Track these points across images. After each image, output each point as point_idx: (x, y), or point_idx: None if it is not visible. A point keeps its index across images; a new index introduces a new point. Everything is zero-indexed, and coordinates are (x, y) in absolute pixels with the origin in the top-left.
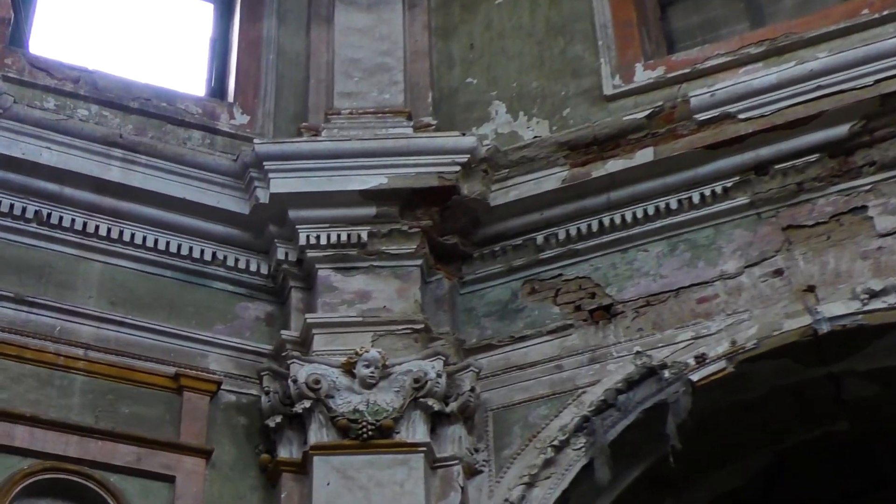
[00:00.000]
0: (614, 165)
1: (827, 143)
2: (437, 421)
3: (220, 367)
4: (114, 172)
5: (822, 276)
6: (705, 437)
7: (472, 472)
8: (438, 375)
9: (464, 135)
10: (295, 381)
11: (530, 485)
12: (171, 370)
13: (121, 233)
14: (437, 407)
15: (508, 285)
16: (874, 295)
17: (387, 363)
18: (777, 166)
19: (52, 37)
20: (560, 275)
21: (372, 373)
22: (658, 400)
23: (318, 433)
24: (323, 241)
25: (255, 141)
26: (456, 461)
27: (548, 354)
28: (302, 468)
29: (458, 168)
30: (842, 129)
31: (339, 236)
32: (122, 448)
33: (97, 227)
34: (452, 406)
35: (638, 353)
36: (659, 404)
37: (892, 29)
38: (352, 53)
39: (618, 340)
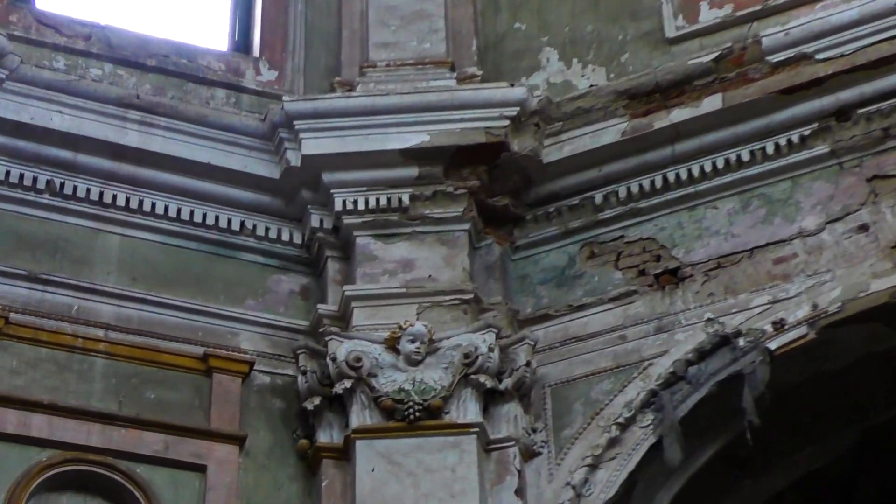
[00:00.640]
0: (679, 115)
1: None
2: (490, 399)
3: (253, 347)
4: (131, 137)
5: None
6: (785, 413)
7: (529, 454)
8: (490, 350)
9: (512, 86)
10: (334, 360)
11: (594, 466)
12: (200, 351)
13: (140, 202)
14: (489, 384)
15: (565, 249)
16: None
17: (434, 337)
18: (860, 111)
19: None
20: (621, 236)
21: (418, 348)
22: (732, 371)
23: (360, 415)
24: (361, 206)
25: (285, 98)
26: (512, 443)
27: (610, 324)
28: (344, 454)
29: (506, 122)
30: None
31: (378, 200)
32: (148, 436)
33: (115, 197)
34: (506, 383)
35: (709, 320)
36: (733, 376)
37: None
38: (388, 0)
39: (687, 307)
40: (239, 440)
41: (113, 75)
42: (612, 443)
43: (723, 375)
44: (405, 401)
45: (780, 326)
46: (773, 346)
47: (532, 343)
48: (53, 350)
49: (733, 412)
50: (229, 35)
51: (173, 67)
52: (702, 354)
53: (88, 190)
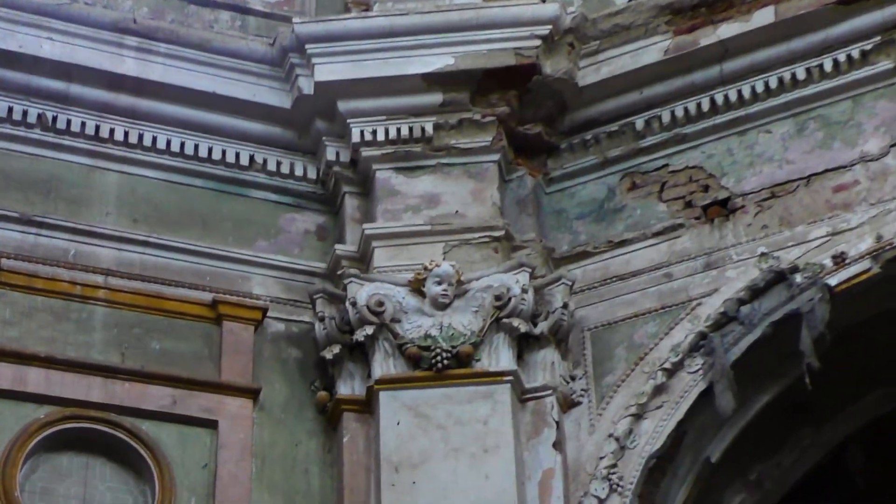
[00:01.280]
0: (727, 30)
1: None
2: (524, 345)
3: (266, 292)
4: (128, 65)
5: None
6: (848, 355)
7: (568, 403)
8: (524, 291)
9: (544, 1)
10: (354, 305)
11: (638, 416)
12: (208, 297)
13: (140, 136)
14: (523, 328)
15: (604, 181)
16: None
17: (462, 279)
18: None
19: None
20: (666, 165)
21: (445, 291)
22: (789, 310)
23: (383, 364)
24: (380, 137)
25: (295, 20)
26: (549, 391)
27: (654, 261)
28: (366, 406)
29: (538, 42)
30: None
31: (399, 130)
32: (153, 390)
33: (112, 131)
34: (542, 326)
35: (763, 254)
36: (790, 315)
37: None
38: None
39: (738, 241)
40: (252, 393)
41: None
42: (658, 390)
43: (778, 315)
44: (432, 348)
45: (840, 261)
46: (833, 282)
47: (569, 283)
48: (49, 298)
49: (790, 355)
50: None
51: None
52: (755, 292)
53: (83, 124)
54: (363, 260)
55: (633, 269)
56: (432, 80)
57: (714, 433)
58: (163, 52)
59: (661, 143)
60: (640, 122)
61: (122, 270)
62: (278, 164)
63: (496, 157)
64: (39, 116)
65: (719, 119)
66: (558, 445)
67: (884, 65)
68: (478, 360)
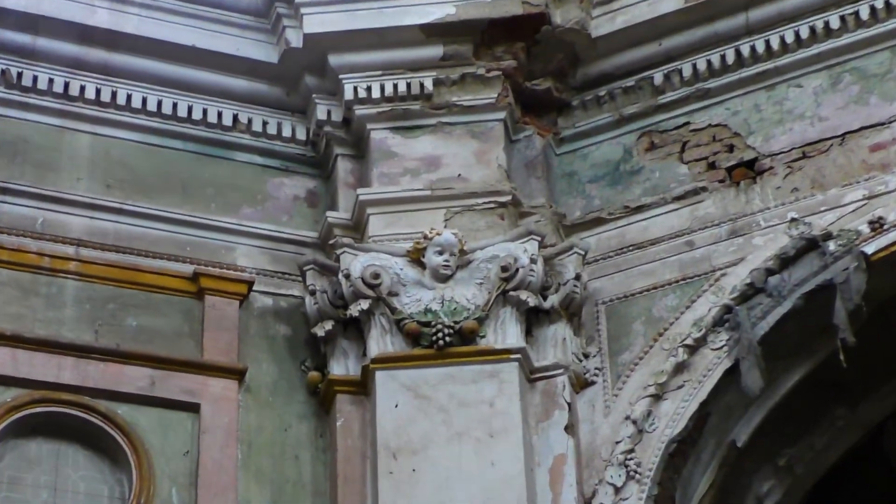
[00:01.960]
0: None
1: None
2: (533, 320)
3: (251, 263)
4: (100, 16)
5: None
6: (885, 329)
7: (581, 383)
8: (533, 261)
9: None
10: (348, 277)
11: (657, 397)
12: (189, 269)
13: (114, 94)
14: (532, 302)
15: (620, 140)
16: None
17: (465, 248)
18: None
19: None
20: (687, 123)
21: (446, 261)
22: (822, 281)
23: (380, 342)
24: (376, 94)
25: None
26: (560, 370)
27: (675, 228)
28: (362, 387)
29: None
30: None
31: (396, 86)
32: (130, 371)
33: (83, 89)
34: (552, 300)
35: (793, 220)
36: (823, 286)
37: None
38: None
39: (766, 205)
40: (237, 373)
41: None
42: (679, 368)
43: (810, 286)
44: (433, 323)
45: (878, 226)
46: (869, 249)
47: (582, 252)
48: (15, 271)
49: (823, 329)
50: None
51: None
52: (785, 262)
53: (52, 81)
54: (357, 228)
55: (652, 236)
56: (432, 32)
57: (740, 415)
58: (138, 2)
59: (682, 100)
60: (658, 77)
61: (94, 240)
62: (264, 124)
63: (502, 115)
64: (3, 72)
65: (745, 72)
66: (570, 429)
67: None
68: (482, 337)
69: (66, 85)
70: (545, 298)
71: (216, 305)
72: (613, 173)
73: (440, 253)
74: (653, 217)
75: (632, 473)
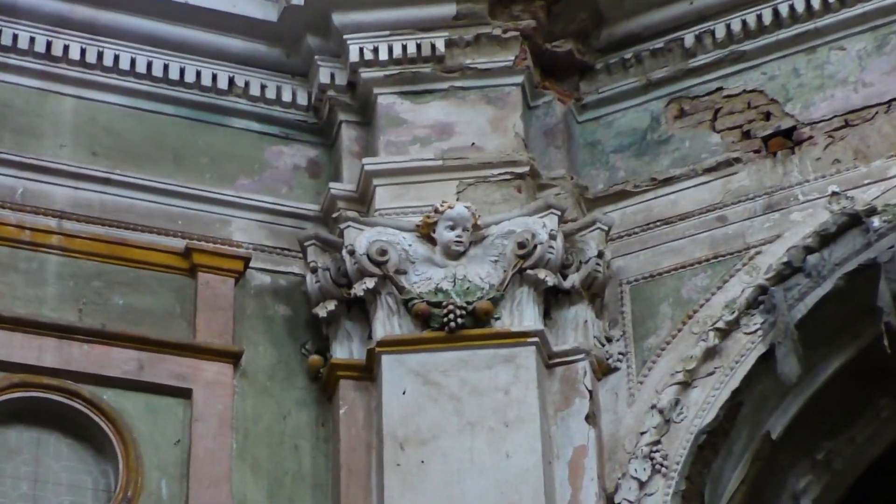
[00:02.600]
0: None
1: None
2: (552, 301)
3: (248, 238)
4: None
5: None
6: None
7: (603, 369)
8: (552, 237)
9: None
10: (352, 253)
11: (686, 384)
12: (181, 244)
13: (100, 55)
14: (551, 281)
15: (647, 107)
16: None
17: (479, 223)
18: None
19: None
20: (720, 89)
21: (459, 237)
22: (865, 260)
23: (386, 323)
24: (383, 56)
25: None
26: (581, 355)
27: (706, 202)
28: (367, 372)
29: None
30: None
31: (405, 48)
32: (116, 353)
33: (67, 49)
34: (573, 279)
35: (834, 194)
36: (866, 266)
37: None
38: None
39: (805, 178)
40: (232, 357)
41: None
42: (710, 354)
43: (853, 265)
44: (444, 304)
45: None
46: None
47: (605, 228)
48: None
49: (866, 312)
50: None
51: None
52: (825, 239)
53: (32, 40)
54: (363, 201)
55: (681, 211)
56: None
57: (775, 404)
58: None
59: (715, 63)
60: (689, 38)
61: (78, 213)
62: (262, 87)
63: (519, 79)
64: None
65: (783, 34)
66: (592, 418)
67: None
68: (497, 319)
69: (49, 44)
70: (565, 278)
71: (210, 283)
72: (640, 143)
73: (452, 228)
74: (682, 190)
75: (658, 467)
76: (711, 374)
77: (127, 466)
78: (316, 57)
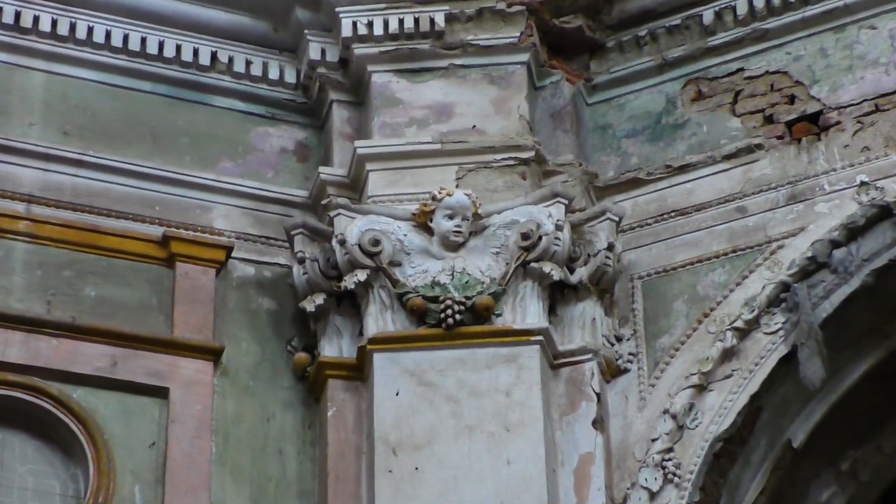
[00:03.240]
0: None
1: None
2: (557, 296)
3: (231, 226)
4: None
5: None
6: None
7: (612, 370)
8: (558, 227)
9: None
10: (343, 243)
11: (701, 388)
12: (158, 231)
13: (72, 26)
14: (557, 275)
15: (662, 89)
16: None
17: (480, 211)
18: None
19: None
20: (741, 69)
21: (458, 226)
22: (895, 255)
23: (379, 319)
24: (378, 31)
25: None
26: (588, 355)
27: (725, 191)
28: (357, 371)
29: None
30: None
31: (401, 22)
32: (88, 349)
33: (36, 20)
34: (580, 273)
35: (863, 184)
36: None
37: None
38: None
39: (831, 167)
40: (213, 354)
41: None
42: (728, 355)
43: (882, 261)
44: (441, 299)
45: None
46: None
47: (616, 218)
48: None
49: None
50: None
51: None
52: (853, 232)
53: (0, 10)
54: (355, 187)
55: (698, 201)
56: None
57: (797, 410)
58: None
59: (736, 42)
60: (708, 14)
61: (48, 197)
62: (248, 63)
63: (525, 57)
64: None
65: (810, 10)
66: (599, 424)
67: None
68: (498, 315)
69: (17, 15)
70: (572, 272)
71: (189, 274)
72: (654, 127)
73: (451, 217)
74: (699, 178)
75: (670, 476)
76: (729, 376)
77: (98, 471)
78: (305, 31)
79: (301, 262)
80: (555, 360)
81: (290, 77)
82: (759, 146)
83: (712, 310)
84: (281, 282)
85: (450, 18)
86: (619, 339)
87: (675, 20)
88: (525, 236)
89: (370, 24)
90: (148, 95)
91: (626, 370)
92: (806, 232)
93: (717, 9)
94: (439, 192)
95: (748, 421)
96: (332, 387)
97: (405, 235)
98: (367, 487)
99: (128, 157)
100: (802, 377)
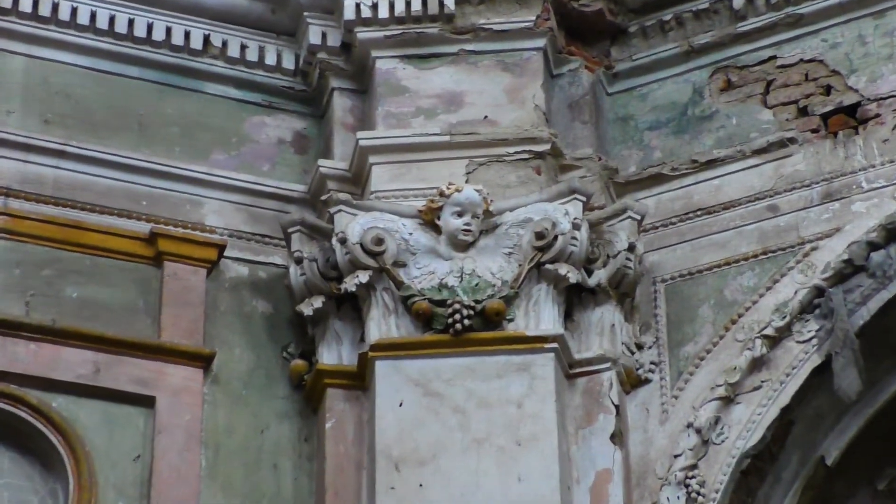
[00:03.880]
0: None
1: None
2: (574, 300)
3: (223, 222)
4: None
5: None
6: None
7: (633, 381)
8: (575, 226)
9: None
10: (344, 242)
11: (728, 400)
12: (145, 228)
13: (55, 7)
14: (573, 277)
15: (688, 78)
16: None
17: (491, 208)
18: None
19: None
20: (773, 58)
21: (467, 224)
22: None
23: (382, 324)
24: (383, 14)
25: None
26: (606, 364)
27: (755, 188)
28: (358, 380)
29: None
30: None
31: (408, 4)
32: (69, 354)
33: (16, 1)
34: (599, 275)
35: None
36: None
37: None
38: None
39: (869, 163)
40: (203, 360)
41: None
42: (757, 365)
43: None
44: (449, 302)
45: None
46: None
47: (637, 217)
48: None
49: None
50: None
51: None
52: (892, 233)
53: None
54: (357, 181)
55: (726, 198)
56: None
57: (831, 424)
58: None
59: (768, 27)
60: None
61: (28, 190)
62: (243, 48)
63: (541, 43)
64: None
65: None
66: (618, 438)
67: None
68: (511, 321)
69: None
70: (590, 274)
71: (178, 274)
72: (679, 119)
73: (460, 214)
74: (727, 174)
75: (694, 495)
76: (758, 388)
77: (79, 485)
78: (305, 13)
79: (299, 262)
80: (570, 370)
81: (289, 63)
82: (792, 140)
83: (740, 316)
84: (277, 283)
85: (460, 0)
86: (639, 347)
87: (703, 4)
88: (539, 236)
89: (374, 6)
90: (135, 81)
91: (648, 380)
92: (842, 233)
93: None
94: (448, 188)
95: (778, 436)
96: (331, 396)
97: (410, 234)
98: None
99: (113, 147)
100: (837, 389)
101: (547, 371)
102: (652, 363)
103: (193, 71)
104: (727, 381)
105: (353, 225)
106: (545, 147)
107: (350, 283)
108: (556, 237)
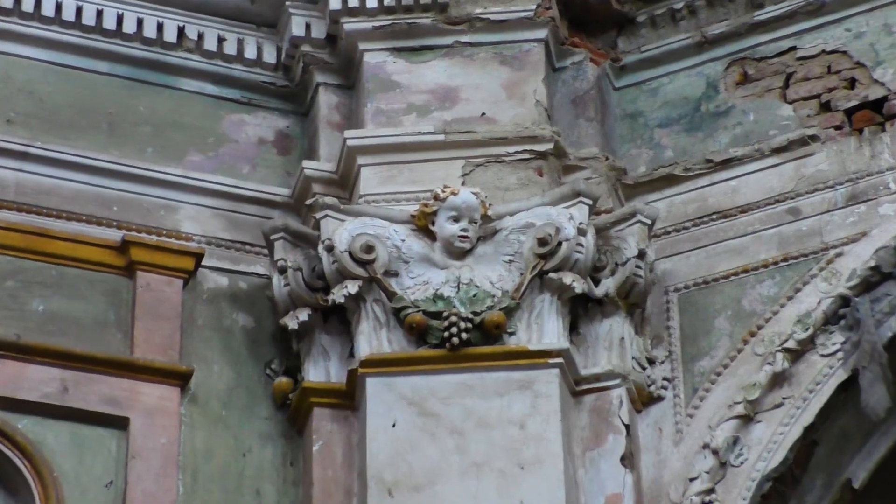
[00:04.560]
0: None
1: None
2: (580, 312)
3: (200, 229)
4: None
5: None
6: None
7: (644, 398)
8: (581, 232)
9: None
10: (331, 250)
11: (747, 418)
12: (116, 235)
13: None
14: (579, 287)
15: (701, 71)
16: None
17: (490, 213)
18: None
19: None
20: (793, 49)
21: (464, 230)
22: None
23: (373, 338)
24: (371, 3)
25: None
26: (616, 381)
27: (775, 190)
28: (347, 399)
29: None
30: None
31: None
32: (35, 372)
33: None
34: (607, 285)
35: None
36: None
37: None
38: None
39: None
40: (179, 378)
41: None
42: (778, 381)
43: None
44: (445, 314)
45: None
46: None
47: (648, 221)
48: None
49: None
50: None
51: None
52: None
53: None
54: (344, 184)
55: (743, 201)
56: None
57: (858, 445)
58: None
59: (787, 16)
60: None
61: None
62: (220, 40)
63: (542, 33)
64: None
65: None
66: (628, 460)
67: None
68: (512, 334)
69: None
70: (597, 283)
71: (152, 285)
72: (692, 115)
73: (456, 219)
74: (745, 175)
75: None
76: (779, 405)
77: None
78: (287, 3)
79: (282, 271)
80: (577, 387)
81: (270, 56)
82: (813, 138)
83: (760, 328)
84: (258, 294)
85: None
86: (651, 362)
87: None
88: (542, 242)
89: None
90: (104, 77)
91: (660, 398)
92: (868, 237)
93: None
94: (443, 191)
95: (801, 457)
96: (318, 417)
97: (403, 241)
98: None
99: (81, 148)
100: (864, 406)
101: (551, 388)
102: (665, 379)
103: (167, 66)
104: (746, 399)
105: (341, 231)
106: (547, 146)
107: (338, 295)
108: (559, 244)
